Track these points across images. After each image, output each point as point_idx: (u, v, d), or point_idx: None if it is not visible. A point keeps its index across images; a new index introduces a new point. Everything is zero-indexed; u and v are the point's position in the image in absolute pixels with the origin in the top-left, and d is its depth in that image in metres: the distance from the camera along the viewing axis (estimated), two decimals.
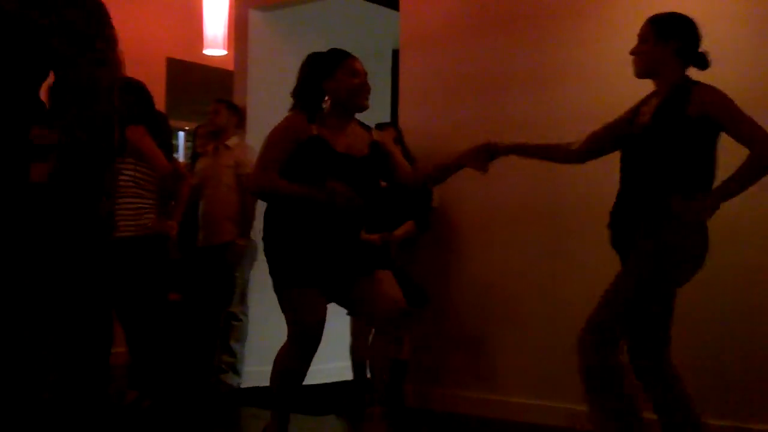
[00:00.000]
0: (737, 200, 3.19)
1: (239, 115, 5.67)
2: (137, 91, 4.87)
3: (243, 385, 5.41)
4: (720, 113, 3.13)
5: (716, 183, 3.19)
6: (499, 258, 4.77)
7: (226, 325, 5.35)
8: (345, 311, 4.95)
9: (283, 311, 3.53)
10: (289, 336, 3.53)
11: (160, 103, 6.79)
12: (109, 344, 5.26)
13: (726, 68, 4.07)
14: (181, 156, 8.26)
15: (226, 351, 5.33)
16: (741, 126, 3.12)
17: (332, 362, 5.84)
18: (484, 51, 4.86)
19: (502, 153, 3.61)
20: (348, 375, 5.15)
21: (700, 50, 3.31)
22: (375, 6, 6.29)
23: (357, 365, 4.94)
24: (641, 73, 3.37)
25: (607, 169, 4.42)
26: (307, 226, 3.48)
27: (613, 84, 4.36)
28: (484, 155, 3.58)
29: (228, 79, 6.19)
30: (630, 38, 4.36)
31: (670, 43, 3.27)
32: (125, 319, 4.81)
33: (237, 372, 5.35)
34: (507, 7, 4.79)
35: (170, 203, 4.98)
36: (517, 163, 3.87)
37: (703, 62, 3.31)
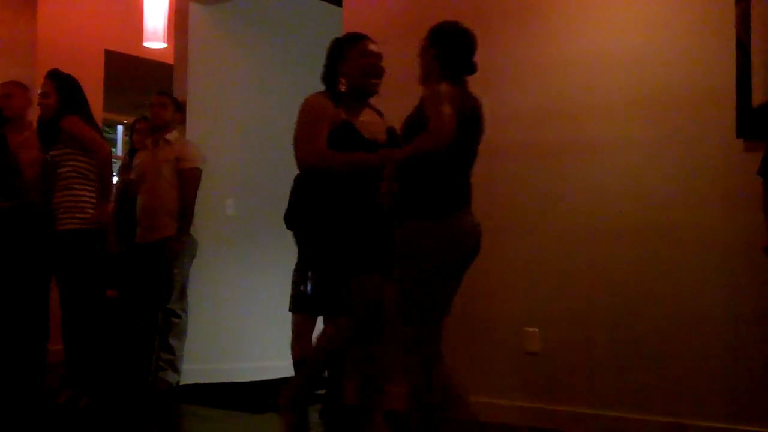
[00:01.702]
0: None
1: (182, 111, 5.60)
2: (68, 82, 4.85)
3: (182, 383, 5.36)
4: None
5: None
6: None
7: (165, 322, 5.28)
8: (286, 308, 4.95)
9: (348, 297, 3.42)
10: (348, 320, 3.45)
11: (97, 96, 6.69)
12: (44, 340, 5.18)
13: (677, 73, 4.11)
14: (119, 150, 8.13)
15: (165, 348, 5.26)
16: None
17: (273, 360, 5.81)
18: None
19: None
20: (288, 373, 5.13)
21: (463, 57, 3.35)
22: (317, 1, 6.26)
23: (298, 363, 4.91)
24: (419, 80, 3.43)
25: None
26: (354, 208, 3.36)
27: (559, 84, 4.41)
28: None
29: (167, 72, 6.10)
30: (577, 38, 4.42)
31: (431, 51, 3.36)
32: (66, 313, 4.74)
33: (176, 369, 5.29)
34: (451, 5, 4.79)
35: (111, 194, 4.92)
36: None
37: (464, 69, 3.35)
